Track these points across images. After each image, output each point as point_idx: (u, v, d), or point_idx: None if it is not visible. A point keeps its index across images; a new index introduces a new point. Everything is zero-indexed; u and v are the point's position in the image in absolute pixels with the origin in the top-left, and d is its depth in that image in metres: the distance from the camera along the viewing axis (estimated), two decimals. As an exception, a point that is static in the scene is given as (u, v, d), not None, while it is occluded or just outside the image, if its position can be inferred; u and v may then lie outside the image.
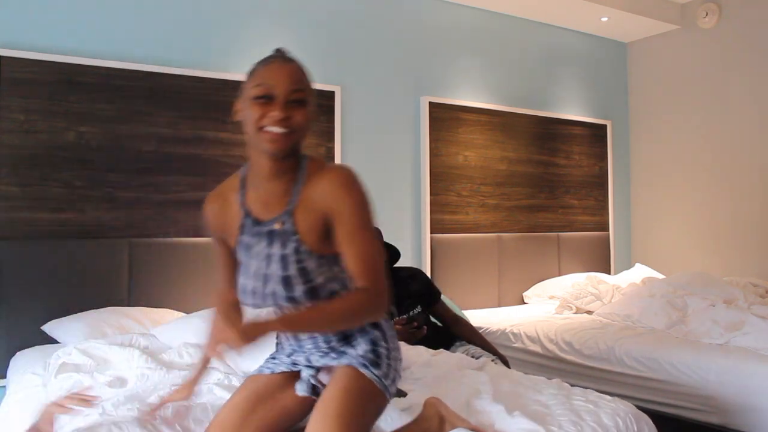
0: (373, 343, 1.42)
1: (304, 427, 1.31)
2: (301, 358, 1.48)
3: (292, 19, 3.50)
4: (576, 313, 3.72)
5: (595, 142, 4.75)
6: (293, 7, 3.51)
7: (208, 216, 1.54)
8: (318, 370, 1.46)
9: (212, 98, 3.16)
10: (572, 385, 1.99)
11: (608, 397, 1.82)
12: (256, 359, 2.12)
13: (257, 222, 1.42)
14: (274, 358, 1.54)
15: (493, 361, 2.44)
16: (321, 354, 1.45)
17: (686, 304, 3.28)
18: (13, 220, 2.70)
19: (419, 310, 2.66)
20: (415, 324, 2.59)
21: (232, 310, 1.45)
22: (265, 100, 1.33)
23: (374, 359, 1.40)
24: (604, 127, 4.81)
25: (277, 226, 1.39)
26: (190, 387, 1.59)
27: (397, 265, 2.76)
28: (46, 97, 2.77)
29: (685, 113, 4.68)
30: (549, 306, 3.96)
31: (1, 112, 2.68)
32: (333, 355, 1.43)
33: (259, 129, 1.33)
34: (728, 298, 3.35)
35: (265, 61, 1.37)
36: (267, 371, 1.50)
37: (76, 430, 1.56)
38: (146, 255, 2.93)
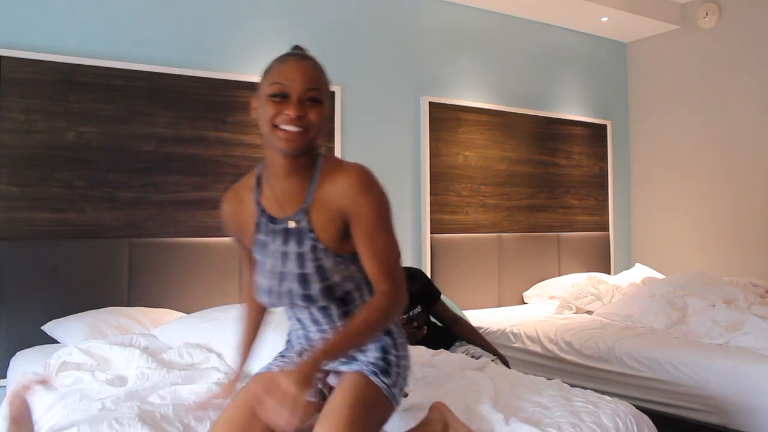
0: (384, 351, 1.42)
1: (310, 427, 1.31)
2: None
3: (293, 18, 3.50)
4: (576, 313, 3.72)
5: (595, 142, 4.75)
6: (293, 7, 3.50)
7: (225, 216, 1.53)
8: (327, 373, 1.46)
9: (212, 98, 3.16)
10: (572, 386, 1.99)
11: (608, 397, 1.82)
12: (257, 358, 2.13)
13: (273, 220, 1.42)
14: (283, 356, 1.53)
15: (493, 361, 2.44)
16: None
17: (686, 304, 3.28)
18: (13, 220, 2.70)
19: (419, 310, 2.66)
20: (415, 324, 2.59)
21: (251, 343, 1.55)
22: (280, 98, 1.32)
23: (384, 367, 1.39)
24: (604, 127, 4.81)
25: (291, 224, 1.39)
26: (231, 387, 1.58)
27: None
28: (46, 97, 2.77)
29: (685, 113, 4.68)
30: (549, 306, 3.96)
31: (1, 112, 2.68)
32: (343, 359, 1.43)
33: (273, 127, 1.33)
34: (728, 298, 3.35)
35: (281, 59, 1.37)
36: (276, 369, 1.48)
37: (74, 423, 1.56)
38: (146, 255, 2.93)
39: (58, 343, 2.54)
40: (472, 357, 2.45)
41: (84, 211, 2.84)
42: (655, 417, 1.91)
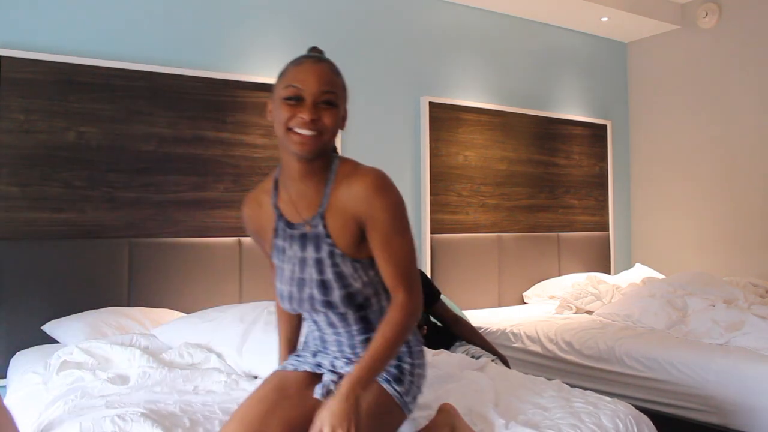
0: (398, 359, 1.42)
1: None
2: (325, 362, 1.47)
3: (293, 18, 3.50)
4: (576, 313, 3.72)
5: (595, 142, 4.75)
6: (293, 7, 3.50)
7: (245, 220, 1.52)
8: (341, 376, 1.44)
9: (212, 98, 3.16)
10: (572, 386, 1.99)
11: (608, 398, 1.82)
12: (257, 358, 2.13)
13: (289, 225, 1.41)
14: (299, 355, 1.53)
15: (493, 361, 2.44)
16: (345, 361, 1.45)
17: (686, 304, 3.28)
18: (13, 220, 2.70)
19: (419, 310, 2.65)
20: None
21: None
22: (295, 101, 1.31)
23: (398, 375, 1.39)
24: (604, 127, 4.81)
25: (307, 229, 1.38)
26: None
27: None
28: (46, 97, 2.77)
29: (685, 113, 4.68)
30: (549, 306, 3.96)
31: (1, 112, 2.68)
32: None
33: (287, 130, 1.32)
34: (728, 298, 3.35)
35: (297, 61, 1.35)
36: (291, 368, 1.48)
37: (76, 418, 1.57)
38: (146, 255, 2.93)
39: (58, 343, 2.54)
40: (472, 357, 2.45)
41: (84, 211, 2.84)
42: (655, 417, 1.91)
